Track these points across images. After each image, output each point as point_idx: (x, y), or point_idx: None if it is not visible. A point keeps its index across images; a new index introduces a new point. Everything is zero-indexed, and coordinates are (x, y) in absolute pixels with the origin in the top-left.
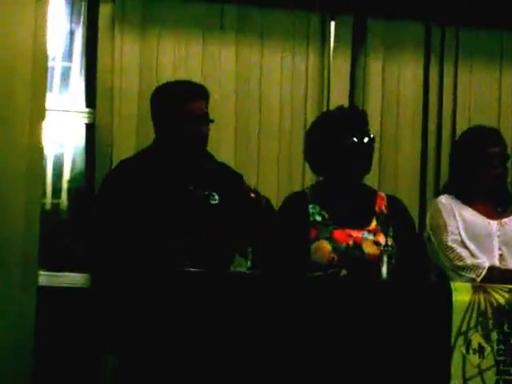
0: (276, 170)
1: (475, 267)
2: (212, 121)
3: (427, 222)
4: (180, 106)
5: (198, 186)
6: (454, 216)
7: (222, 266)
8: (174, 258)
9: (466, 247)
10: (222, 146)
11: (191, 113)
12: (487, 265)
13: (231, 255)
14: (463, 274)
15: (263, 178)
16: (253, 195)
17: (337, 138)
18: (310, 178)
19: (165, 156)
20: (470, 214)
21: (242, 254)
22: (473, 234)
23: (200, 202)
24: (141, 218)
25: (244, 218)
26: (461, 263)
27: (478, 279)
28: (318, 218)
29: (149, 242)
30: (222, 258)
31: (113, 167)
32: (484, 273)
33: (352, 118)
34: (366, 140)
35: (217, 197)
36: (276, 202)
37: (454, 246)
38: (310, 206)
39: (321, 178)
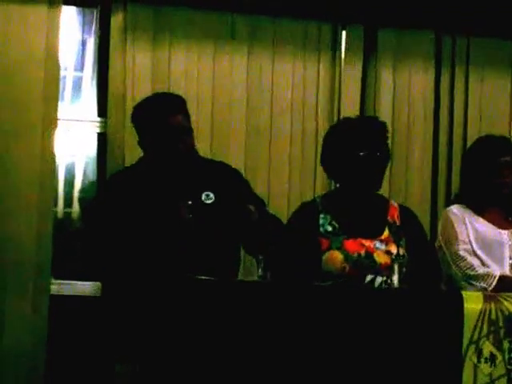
0: (287, 178)
1: (486, 276)
2: (191, 130)
3: (438, 232)
4: (158, 123)
5: (192, 186)
6: (465, 226)
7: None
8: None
9: (477, 257)
10: (233, 153)
11: (169, 128)
12: (498, 274)
13: (233, 261)
14: (474, 283)
15: (274, 185)
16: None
17: (347, 150)
18: (321, 185)
19: (152, 168)
20: (480, 223)
21: (252, 255)
22: (484, 244)
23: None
24: (136, 226)
25: (239, 217)
26: (472, 272)
27: (490, 288)
28: (329, 228)
29: (146, 252)
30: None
31: (107, 178)
32: (495, 282)
33: (366, 130)
34: (377, 154)
35: (212, 195)
36: (287, 208)
37: (465, 255)
38: (321, 217)
39: (332, 188)
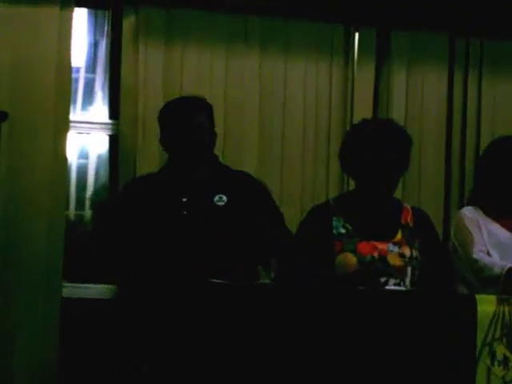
0: (300, 180)
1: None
2: (215, 133)
3: (452, 234)
4: (178, 119)
5: (205, 188)
6: (479, 227)
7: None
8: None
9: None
10: (246, 156)
11: (186, 124)
12: (505, 269)
13: (245, 263)
14: (488, 285)
15: (286, 187)
16: None
17: (357, 150)
18: (333, 187)
19: (170, 170)
20: (494, 226)
21: (262, 264)
22: (496, 246)
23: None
24: (148, 230)
25: (259, 223)
26: (483, 275)
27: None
28: (342, 231)
29: (157, 256)
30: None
31: (127, 182)
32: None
33: (377, 132)
34: (386, 155)
35: (225, 198)
36: (300, 210)
37: (478, 258)
38: (334, 219)
39: (345, 190)
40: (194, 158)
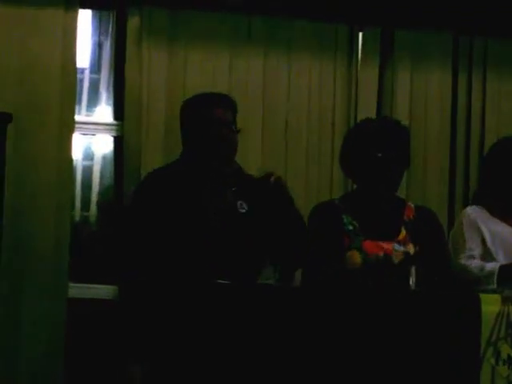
0: (303, 179)
1: (488, 276)
2: (238, 130)
3: (451, 234)
4: (202, 112)
5: (227, 194)
6: (478, 229)
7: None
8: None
9: (493, 259)
10: (250, 156)
11: (213, 117)
12: (497, 267)
13: (255, 265)
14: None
15: (290, 185)
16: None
17: (364, 150)
18: (337, 186)
19: (190, 166)
20: (497, 225)
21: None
22: (501, 245)
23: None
24: (165, 229)
25: (273, 227)
26: (474, 277)
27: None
28: (350, 227)
29: (173, 254)
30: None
31: (142, 178)
32: (496, 277)
33: (384, 132)
34: (393, 155)
35: (245, 205)
36: (304, 211)
37: (466, 263)
38: (343, 216)
39: (349, 189)
40: (210, 150)
